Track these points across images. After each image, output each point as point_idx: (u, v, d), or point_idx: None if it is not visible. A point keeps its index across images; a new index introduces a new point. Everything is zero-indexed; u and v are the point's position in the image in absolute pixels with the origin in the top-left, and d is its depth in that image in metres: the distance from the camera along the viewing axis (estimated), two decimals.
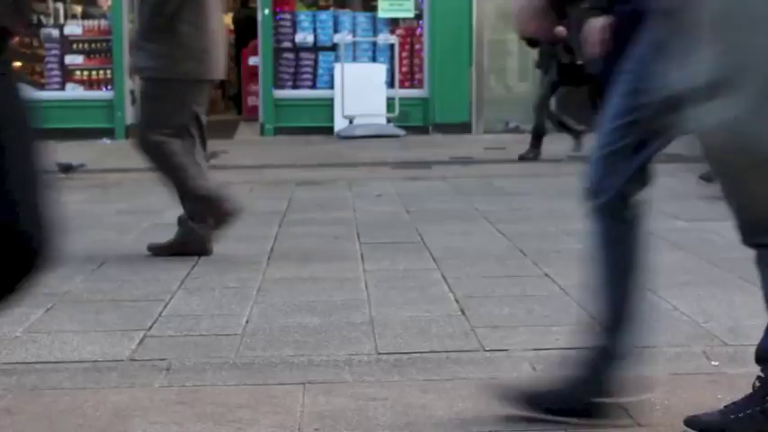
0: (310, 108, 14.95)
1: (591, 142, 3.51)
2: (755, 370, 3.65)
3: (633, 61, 3.08)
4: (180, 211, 6.02)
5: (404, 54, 15.21)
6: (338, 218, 7.34)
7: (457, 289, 4.87)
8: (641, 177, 3.31)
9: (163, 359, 3.83)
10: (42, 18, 15.14)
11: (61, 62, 15.12)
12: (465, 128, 14.77)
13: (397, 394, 3.44)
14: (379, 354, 3.86)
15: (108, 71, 15.04)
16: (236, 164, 11.42)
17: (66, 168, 10.55)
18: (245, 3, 19.38)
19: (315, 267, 5.49)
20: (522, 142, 12.26)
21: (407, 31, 15.28)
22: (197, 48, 5.77)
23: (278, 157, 12.11)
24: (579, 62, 10.61)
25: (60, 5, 15.37)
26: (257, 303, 4.68)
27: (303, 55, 15.31)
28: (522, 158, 11.50)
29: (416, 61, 15.27)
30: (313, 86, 15.28)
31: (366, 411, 3.27)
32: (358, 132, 14.18)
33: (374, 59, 15.27)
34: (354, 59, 15.19)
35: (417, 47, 15.26)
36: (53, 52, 15.12)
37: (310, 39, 15.27)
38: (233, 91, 20.59)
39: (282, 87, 15.17)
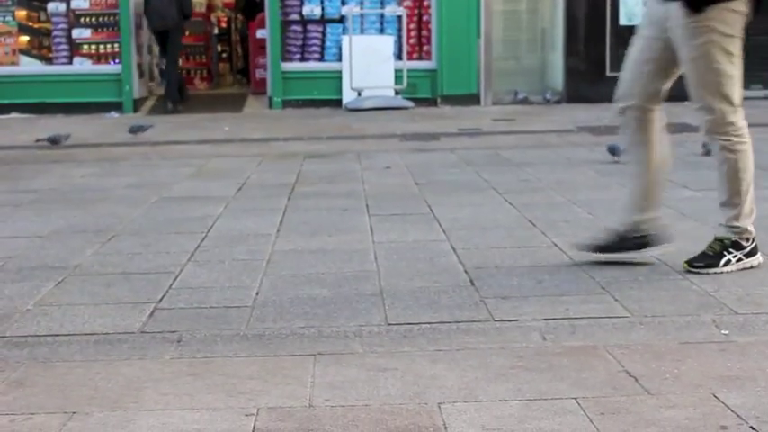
0: (318, 81, 14.92)
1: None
2: (766, 338, 3.67)
3: None
4: None
5: (412, 26, 15.15)
6: (347, 190, 7.34)
7: (466, 260, 4.88)
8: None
9: (173, 331, 3.84)
10: None
11: (68, 36, 15.10)
12: (473, 99, 14.73)
13: (406, 365, 3.45)
14: (389, 324, 3.87)
15: (116, 45, 15.01)
16: (245, 137, 11.42)
17: (54, 141, 10.61)
18: None
19: (324, 239, 5.50)
20: (532, 114, 12.21)
21: (415, 2, 15.21)
22: None
23: (286, 130, 12.10)
24: None
25: None
26: (267, 275, 4.68)
27: (311, 27, 15.27)
28: None
29: (424, 33, 15.22)
30: (321, 59, 15.24)
31: (376, 382, 3.28)
32: (366, 105, 14.16)
33: (382, 31, 15.21)
34: (362, 31, 15.14)
35: (425, 18, 15.20)
36: (60, 26, 15.10)
37: (318, 11, 15.22)
38: (241, 65, 20.60)
39: (290, 60, 15.13)
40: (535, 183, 7.46)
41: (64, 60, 15.11)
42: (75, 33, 15.08)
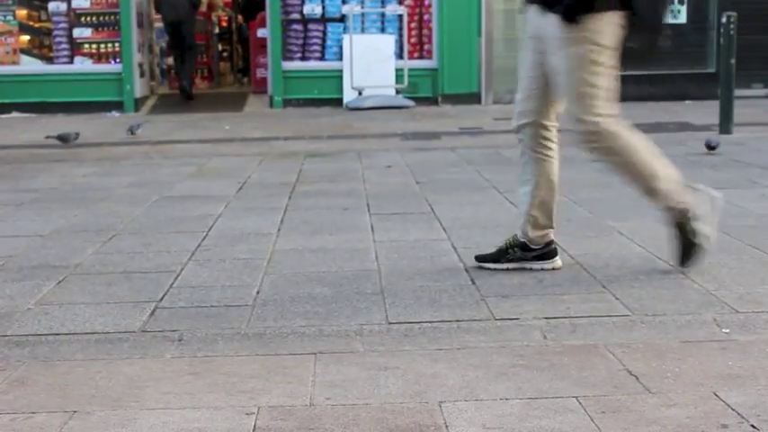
0: (319, 80, 14.92)
1: None
2: (767, 337, 3.67)
3: None
4: None
5: (412, 25, 15.15)
6: (348, 189, 7.34)
7: (467, 259, 4.87)
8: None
9: (174, 330, 3.84)
10: None
11: (69, 35, 15.10)
12: (474, 98, 14.73)
13: (407, 363, 3.45)
14: (390, 323, 3.87)
15: (116, 44, 15.02)
16: (246, 136, 11.42)
17: (64, 138, 10.63)
18: None
19: (325, 238, 5.50)
20: None
21: (416, 1, 15.21)
22: None
23: (287, 129, 12.11)
24: None
25: None
26: (268, 274, 4.68)
27: (311, 26, 15.27)
28: None
29: (425, 32, 15.21)
30: (322, 58, 15.24)
31: (377, 380, 3.29)
32: (367, 104, 14.15)
33: (383, 30, 15.21)
34: (363, 30, 15.14)
35: (426, 17, 15.20)
36: (61, 25, 15.11)
37: (318, 10, 15.22)
38: (241, 64, 20.62)
39: (291, 59, 15.14)
40: None
41: (65, 59, 15.12)
42: (76, 32, 15.09)
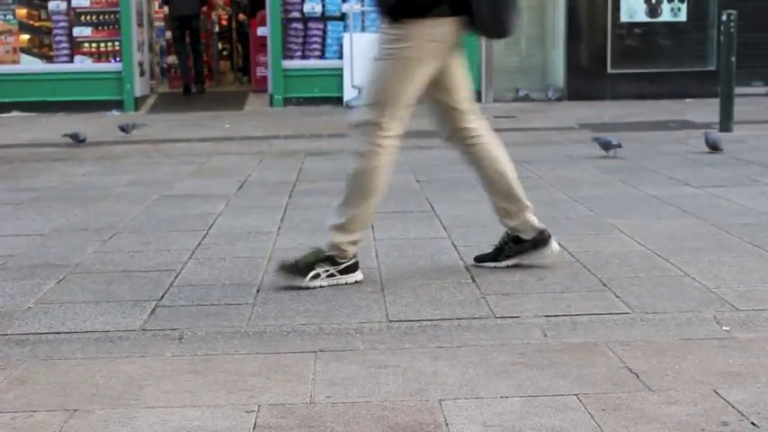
0: (319, 78, 14.91)
1: None
2: (767, 335, 3.67)
3: None
4: None
5: None
6: None
7: (467, 257, 4.87)
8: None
9: (174, 329, 3.84)
10: None
11: (69, 34, 15.10)
12: (474, 97, 14.72)
13: (408, 362, 3.45)
14: (390, 321, 3.87)
15: (116, 43, 15.02)
16: (246, 135, 11.42)
17: (76, 138, 10.62)
18: None
19: (325, 237, 5.48)
20: (533, 111, 12.21)
21: None
22: None
23: (287, 127, 12.10)
24: None
25: None
26: (268, 273, 4.68)
27: (312, 25, 15.26)
28: None
29: None
30: (322, 56, 15.23)
31: (377, 378, 3.28)
32: None
33: None
34: (363, 29, 15.13)
35: None
36: (61, 24, 15.10)
37: (319, 8, 15.22)
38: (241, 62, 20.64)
39: (291, 58, 15.13)
40: (536, 180, 7.46)
41: (65, 59, 15.11)
42: (76, 31, 15.08)
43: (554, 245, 4.64)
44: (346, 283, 4.39)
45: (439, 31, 4.26)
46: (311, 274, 4.36)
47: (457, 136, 4.55)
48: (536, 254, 4.61)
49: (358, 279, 4.45)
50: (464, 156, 4.61)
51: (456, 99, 4.50)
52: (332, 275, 4.38)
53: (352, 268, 4.44)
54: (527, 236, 4.61)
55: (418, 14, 4.21)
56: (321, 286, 4.34)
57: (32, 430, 2.93)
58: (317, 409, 3.04)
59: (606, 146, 8.61)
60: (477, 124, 4.55)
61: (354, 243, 4.45)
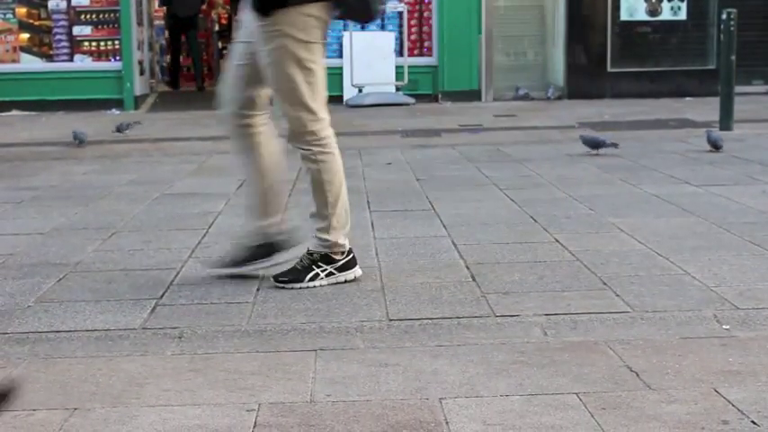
0: None
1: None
2: (767, 333, 3.67)
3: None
4: None
5: (413, 22, 15.14)
6: (348, 186, 7.27)
7: (467, 255, 4.88)
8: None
9: (175, 327, 3.84)
10: None
11: (69, 33, 15.08)
12: (474, 95, 14.72)
13: (408, 360, 3.45)
14: (391, 320, 3.87)
15: (116, 42, 15.00)
16: None
17: (79, 138, 10.61)
18: None
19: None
20: (533, 109, 12.19)
21: None
22: None
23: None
24: None
25: None
26: (268, 271, 4.68)
27: None
28: None
29: (425, 29, 15.20)
30: None
31: (377, 377, 3.29)
32: (367, 101, 14.14)
33: (383, 27, 15.18)
34: (363, 28, 15.12)
35: (426, 14, 15.18)
36: (61, 23, 15.09)
37: None
38: None
39: None
40: (536, 178, 7.46)
41: (64, 57, 15.09)
42: (76, 30, 15.06)
43: (285, 256, 4.50)
44: (345, 281, 4.39)
45: (310, 14, 4.20)
46: (309, 275, 4.35)
47: (239, 119, 4.44)
48: (263, 263, 4.50)
49: (357, 275, 4.44)
50: (236, 139, 4.49)
51: (262, 92, 4.43)
52: (331, 274, 4.38)
53: (350, 264, 4.43)
54: (256, 243, 4.50)
55: (286, 3, 4.16)
56: (321, 285, 4.34)
57: (33, 429, 2.94)
58: (318, 407, 3.04)
59: (593, 144, 8.64)
60: (265, 120, 4.48)
61: (343, 234, 4.41)
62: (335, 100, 14.54)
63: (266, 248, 4.53)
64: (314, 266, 4.37)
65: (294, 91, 4.26)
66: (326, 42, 4.36)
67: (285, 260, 4.48)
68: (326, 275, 4.37)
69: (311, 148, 4.34)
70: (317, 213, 4.40)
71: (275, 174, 4.56)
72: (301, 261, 4.40)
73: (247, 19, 4.33)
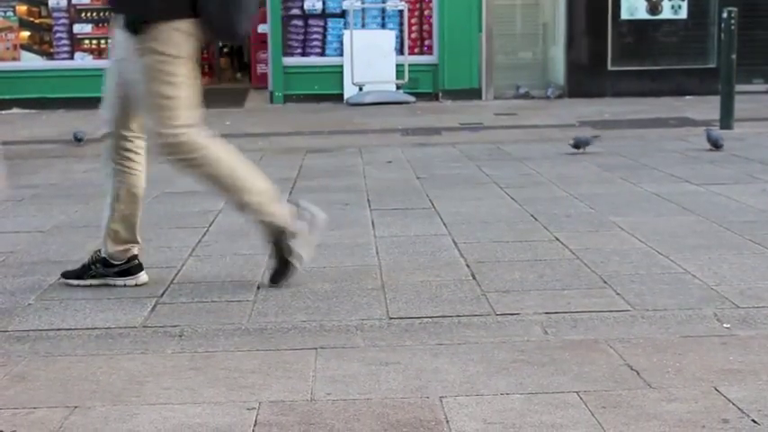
0: (320, 75, 14.90)
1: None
2: (767, 332, 3.67)
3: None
4: None
5: (413, 20, 15.14)
6: (349, 185, 7.34)
7: (468, 254, 4.88)
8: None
9: (175, 326, 3.84)
10: None
11: (70, 31, 15.09)
12: (475, 94, 14.72)
13: (408, 359, 3.45)
14: (391, 318, 3.87)
15: None
16: (247, 132, 11.40)
17: (77, 137, 10.57)
18: None
19: (325, 234, 5.48)
20: (533, 108, 12.18)
21: None
22: None
23: (288, 124, 12.10)
24: None
25: None
26: (268, 270, 4.67)
27: (312, 22, 15.25)
28: None
29: (426, 27, 15.20)
30: (322, 54, 15.22)
31: (378, 376, 3.29)
32: (368, 99, 14.15)
33: (383, 26, 15.20)
34: (363, 26, 15.13)
35: (426, 13, 15.18)
36: (61, 21, 15.09)
37: (319, 5, 15.20)
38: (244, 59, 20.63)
39: (292, 55, 15.12)
40: (537, 177, 7.46)
41: (65, 56, 15.10)
42: (77, 28, 15.07)
43: (142, 277, 4.48)
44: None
45: (179, 30, 4.16)
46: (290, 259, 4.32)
47: (115, 141, 4.44)
48: (120, 280, 4.45)
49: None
50: (109, 162, 4.48)
51: (134, 117, 4.41)
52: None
53: (316, 223, 4.41)
54: (115, 262, 4.46)
55: (155, 20, 4.13)
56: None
57: (33, 427, 2.94)
58: (318, 406, 3.04)
59: (579, 144, 8.69)
60: (141, 143, 4.45)
61: (292, 207, 4.42)
62: (336, 98, 14.57)
63: (120, 268, 4.46)
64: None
65: (161, 107, 4.20)
66: (197, 58, 4.31)
67: (125, 284, 4.43)
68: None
69: (187, 156, 4.28)
70: (237, 207, 4.42)
71: (141, 200, 4.50)
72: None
73: (119, 37, 4.31)
